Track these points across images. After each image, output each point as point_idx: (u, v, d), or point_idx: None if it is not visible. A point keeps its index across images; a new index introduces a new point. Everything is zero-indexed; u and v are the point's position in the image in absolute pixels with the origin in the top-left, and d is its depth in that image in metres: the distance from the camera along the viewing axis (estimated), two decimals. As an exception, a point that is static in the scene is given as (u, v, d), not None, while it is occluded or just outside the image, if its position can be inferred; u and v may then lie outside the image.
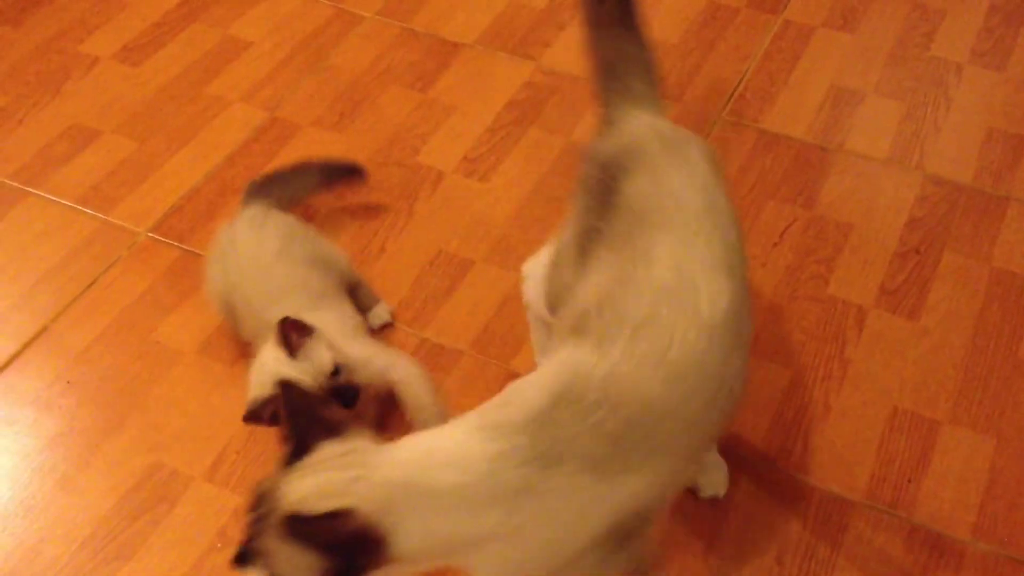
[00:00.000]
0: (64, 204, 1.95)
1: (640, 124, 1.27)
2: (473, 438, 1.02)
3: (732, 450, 1.55)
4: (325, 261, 1.70)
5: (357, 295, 1.73)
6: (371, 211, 1.92)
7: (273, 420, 1.43)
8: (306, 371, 1.46)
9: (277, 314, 1.50)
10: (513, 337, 1.71)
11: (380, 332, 1.72)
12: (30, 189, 1.97)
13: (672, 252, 1.12)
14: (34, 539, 1.50)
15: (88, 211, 1.93)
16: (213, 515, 1.51)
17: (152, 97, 2.16)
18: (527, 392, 1.07)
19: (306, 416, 1.05)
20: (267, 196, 1.76)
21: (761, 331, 1.72)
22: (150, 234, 1.89)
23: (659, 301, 1.08)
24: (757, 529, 1.48)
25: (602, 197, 1.24)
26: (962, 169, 1.98)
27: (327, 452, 1.02)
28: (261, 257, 1.63)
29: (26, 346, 1.73)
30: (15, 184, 1.98)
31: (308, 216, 1.89)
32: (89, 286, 1.80)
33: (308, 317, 1.52)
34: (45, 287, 1.81)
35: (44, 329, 1.75)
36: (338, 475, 0.99)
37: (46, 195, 1.96)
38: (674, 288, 1.09)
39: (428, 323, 1.74)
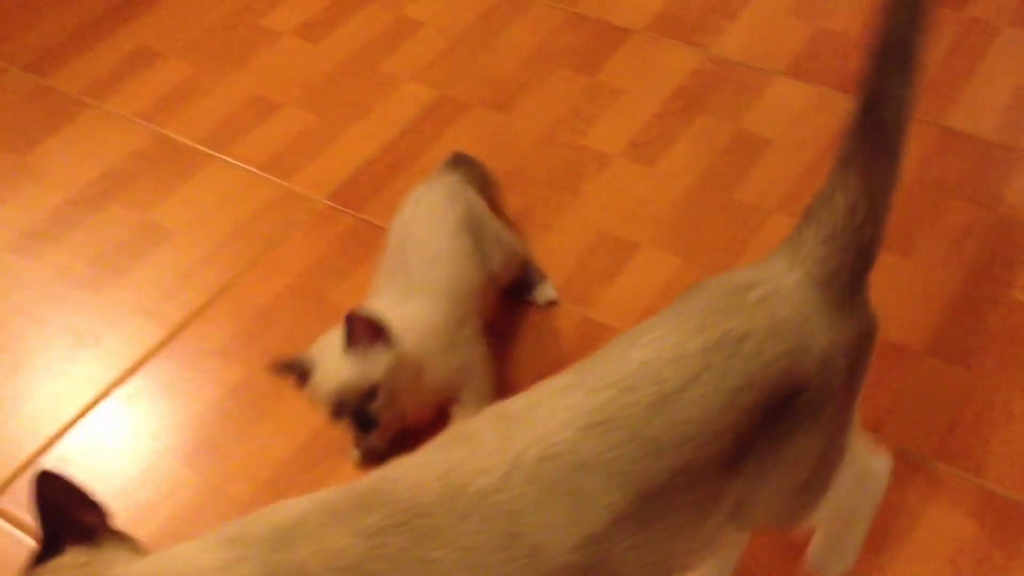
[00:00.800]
0: (248, 170, 2.03)
1: (757, 272, 1.08)
2: (207, 546, 0.93)
3: (906, 450, 1.52)
4: (484, 256, 1.62)
5: (526, 272, 1.75)
6: (537, 190, 1.94)
7: (299, 380, 1.42)
8: (345, 371, 1.36)
9: (428, 275, 1.48)
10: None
11: (545, 309, 1.74)
12: (216, 154, 2.07)
13: (558, 383, 1.01)
14: (219, 478, 1.57)
15: (270, 177, 2.01)
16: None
17: (330, 72, 2.23)
18: (283, 503, 0.98)
19: (59, 515, 0.95)
20: (464, 170, 1.76)
21: (941, 332, 1.67)
22: (327, 202, 1.95)
23: (490, 421, 0.99)
24: (930, 530, 1.44)
25: None
26: None
27: (69, 560, 0.94)
28: (433, 223, 1.60)
29: (213, 300, 1.81)
30: (204, 148, 2.08)
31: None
32: (270, 247, 1.88)
33: (433, 305, 1.47)
34: (230, 246, 1.89)
35: (229, 285, 1.83)
36: None
37: (232, 160, 2.05)
38: (511, 417, 0.99)
39: (593, 302, 1.75)
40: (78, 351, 1.74)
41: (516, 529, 0.92)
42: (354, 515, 0.92)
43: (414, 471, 0.96)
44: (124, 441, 1.63)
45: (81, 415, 1.66)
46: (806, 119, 2.04)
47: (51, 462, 1.60)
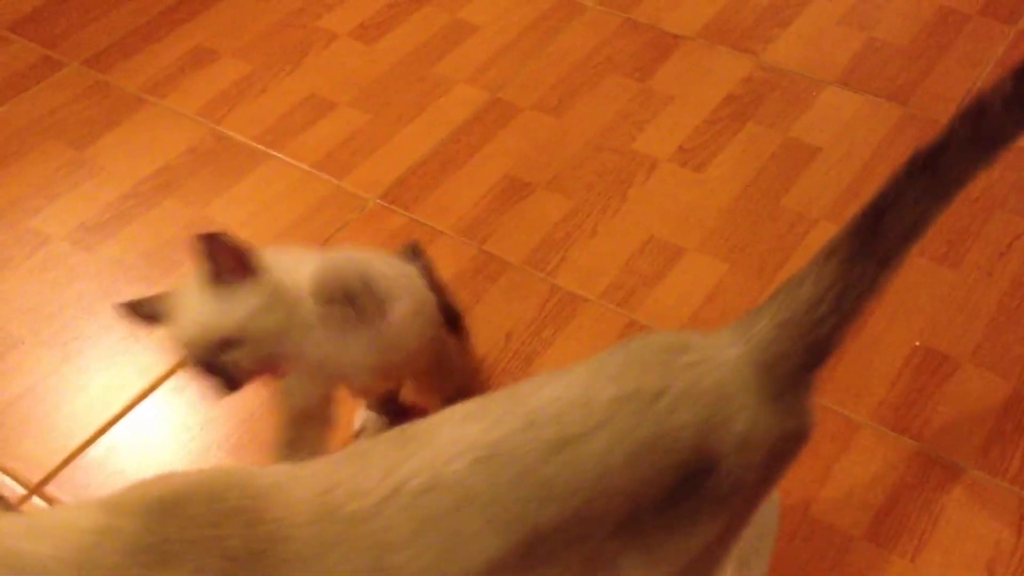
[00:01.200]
0: (302, 168, 2.06)
1: (700, 338, 1.02)
2: (88, 509, 0.90)
3: (945, 457, 1.51)
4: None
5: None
6: (586, 193, 1.96)
7: (143, 318, 1.17)
8: (209, 316, 1.08)
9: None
10: (723, 326, 1.71)
11: (583, 309, 1.75)
12: (271, 152, 2.10)
13: (463, 409, 0.96)
14: (265, 471, 1.60)
15: (323, 175, 2.04)
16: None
17: (384, 74, 2.26)
18: (176, 475, 0.93)
19: None
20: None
21: (984, 342, 1.66)
22: (379, 200, 1.98)
23: (389, 440, 0.94)
24: (967, 537, 1.43)
25: None
26: None
27: None
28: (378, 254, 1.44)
29: (263, 295, 1.84)
30: (259, 146, 2.12)
31: (522, 193, 1.95)
32: (322, 245, 1.91)
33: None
34: (283, 242, 1.91)
35: (280, 280, 1.86)
36: None
37: (286, 158, 2.09)
38: (407, 438, 0.94)
39: (637, 306, 1.76)
40: (129, 343, 1.78)
41: (381, 564, 0.87)
42: (225, 525, 0.88)
43: (304, 482, 0.92)
44: (172, 433, 1.66)
45: (130, 406, 1.70)
46: (855, 128, 2.03)
47: (100, 452, 1.63)
